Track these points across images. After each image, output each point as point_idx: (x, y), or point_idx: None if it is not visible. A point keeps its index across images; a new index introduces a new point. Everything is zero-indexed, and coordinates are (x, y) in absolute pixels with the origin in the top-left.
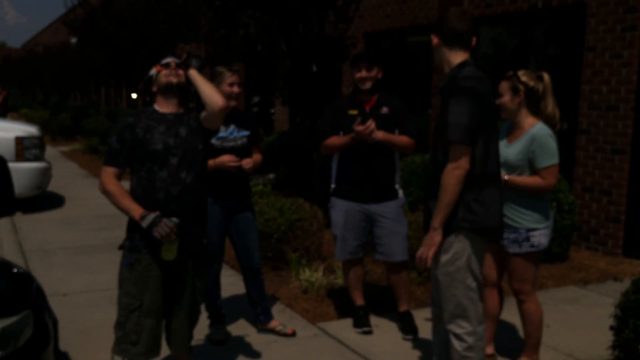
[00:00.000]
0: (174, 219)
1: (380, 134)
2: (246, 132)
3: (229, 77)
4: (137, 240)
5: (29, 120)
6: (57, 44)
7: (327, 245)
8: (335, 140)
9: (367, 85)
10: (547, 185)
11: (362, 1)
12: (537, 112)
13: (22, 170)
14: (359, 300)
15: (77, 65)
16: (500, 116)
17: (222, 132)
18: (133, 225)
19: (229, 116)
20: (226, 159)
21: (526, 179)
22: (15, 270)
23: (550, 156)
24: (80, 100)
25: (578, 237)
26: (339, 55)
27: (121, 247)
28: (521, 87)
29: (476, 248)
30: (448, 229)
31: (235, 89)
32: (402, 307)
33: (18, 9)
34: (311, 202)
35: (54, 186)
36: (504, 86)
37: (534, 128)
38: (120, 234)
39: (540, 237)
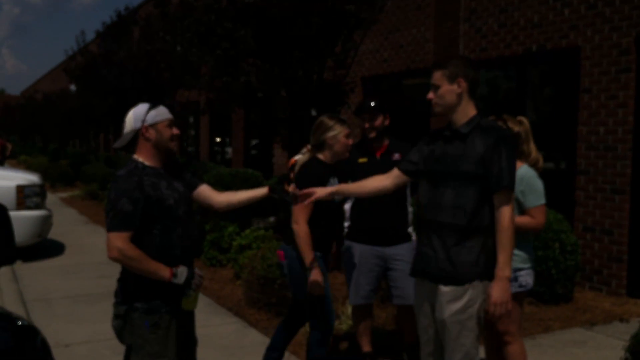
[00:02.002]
0: (197, 270)
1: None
2: None
3: (345, 129)
4: (154, 300)
5: (27, 167)
6: (56, 91)
7: (339, 287)
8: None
9: (372, 134)
10: (537, 224)
11: (360, 47)
12: (522, 155)
13: (23, 219)
14: (366, 347)
15: (76, 113)
16: None
17: (334, 184)
18: (150, 284)
19: (337, 167)
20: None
21: (518, 219)
22: (19, 322)
23: (537, 196)
24: (80, 146)
25: (581, 278)
26: (338, 100)
27: (126, 314)
28: None
29: (484, 295)
30: (462, 278)
31: (351, 140)
32: (411, 338)
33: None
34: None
35: (53, 233)
36: None
37: (520, 170)
38: None
39: (527, 277)
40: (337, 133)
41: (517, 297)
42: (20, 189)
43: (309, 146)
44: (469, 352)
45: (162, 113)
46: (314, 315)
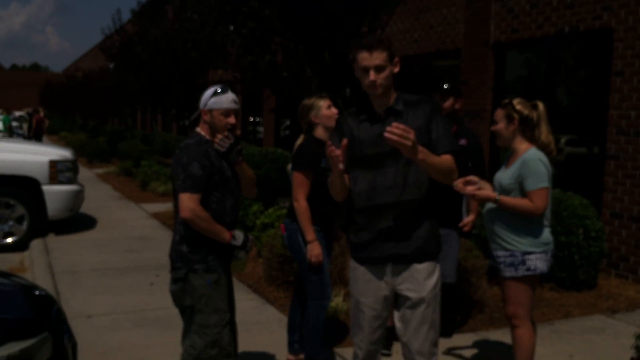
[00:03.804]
0: (250, 236)
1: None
2: None
3: (325, 102)
4: (211, 260)
5: (67, 143)
6: (95, 69)
7: (349, 270)
8: None
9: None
10: (535, 208)
11: (389, 27)
12: (532, 139)
13: (55, 193)
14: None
15: (114, 91)
16: (496, 143)
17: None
18: (206, 247)
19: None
20: None
21: (515, 200)
22: (37, 292)
23: (539, 179)
24: (118, 124)
25: (607, 265)
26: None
27: (186, 277)
28: (515, 115)
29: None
30: (432, 251)
31: (334, 109)
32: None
33: (62, 34)
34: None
35: (86, 208)
36: (499, 114)
37: (527, 153)
38: (148, 255)
39: (537, 261)
40: (318, 108)
41: (527, 281)
42: (53, 164)
43: (303, 136)
44: (438, 328)
45: (220, 102)
46: (311, 284)
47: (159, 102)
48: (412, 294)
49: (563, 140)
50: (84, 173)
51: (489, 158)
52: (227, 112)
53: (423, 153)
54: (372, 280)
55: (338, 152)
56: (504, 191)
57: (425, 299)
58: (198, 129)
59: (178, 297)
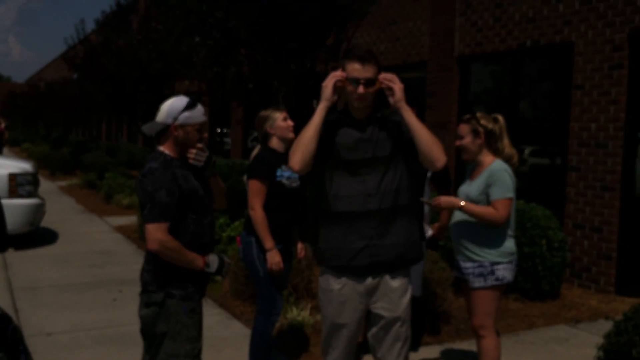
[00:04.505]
0: (225, 258)
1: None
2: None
3: (281, 114)
4: (189, 287)
5: (29, 154)
6: (59, 79)
7: (316, 282)
8: None
9: None
10: (500, 217)
11: (356, 39)
12: (496, 151)
13: (14, 207)
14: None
15: (78, 101)
16: (462, 157)
17: (287, 172)
18: (184, 271)
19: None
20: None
21: (479, 207)
22: None
23: (505, 189)
24: (82, 135)
25: (570, 275)
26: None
27: (163, 302)
28: (481, 129)
29: None
30: (411, 260)
31: (290, 121)
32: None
33: (25, 44)
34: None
35: (48, 221)
36: (464, 129)
37: (493, 164)
38: (111, 270)
39: (504, 271)
40: (274, 120)
41: (495, 291)
42: (12, 177)
43: (259, 146)
44: (409, 339)
45: (194, 116)
46: (262, 297)
47: (125, 112)
48: (386, 313)
49: (527, 151)
50: (46, 185)
51: (454, 170)
52: (201, 127)
53: (410, 111)
54: (348, 301)
55: (342, 74)
56: (472, 203)
57: (400, 318)
58: (161, 148)
59: (150, 323)
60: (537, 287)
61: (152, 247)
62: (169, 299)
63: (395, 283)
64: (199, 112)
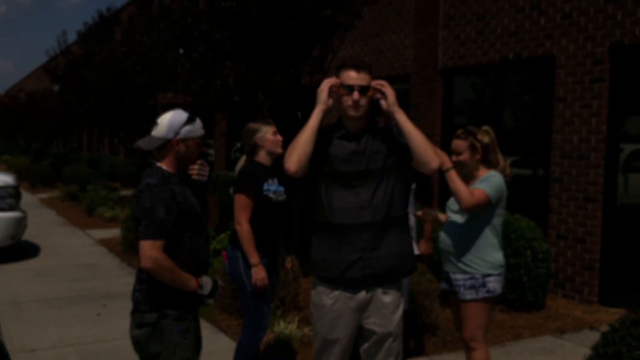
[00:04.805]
0: (219, 281)
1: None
2: (282, 188)
3: (271, 127)
4: (183, 307)
5: (9, 167)
6: (39, 90)
7: (303, 295)
8: None
9: None
10: (468, 201)
11: (340, 51)
12: (490, 164)
13: None
14: None
15: (59, 113)
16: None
17: (273, 186)
18: (176, 296)
19: (276, 169)
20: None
21: (460, 181)
22: None
23: (491, 188)
24: (63, 147)
25: (554, 285)
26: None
27: (156, 322)
28: (478, 144)
29: None
30: (405, 272)
31: (279, 136)
32: None
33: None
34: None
35: (30, 235)
36: (462, 145)
37: (488, 174)
38: (94, 284)
39: (495, 283)
40: (264, 133)
41: (486, 303)
42: None
43: (244, 157)
44: (401, 354)
45: (195, 130)
46: (249, 312)
47: (107, 123)
48: (379, 329)
49: (508, 162)
50: (27, 198)
51: (438, 181)
52: (201, 141)
53: (404, 114)
54: (341, 317)
55: (337, 80)
56: (464, 214)
57: (393, 333)
58: (159, 164)
59: (142, 344)
60: (522, 298)
61: (146, 265)
62: (162, 319)
63: (388, 298)
64: (198, 126)
